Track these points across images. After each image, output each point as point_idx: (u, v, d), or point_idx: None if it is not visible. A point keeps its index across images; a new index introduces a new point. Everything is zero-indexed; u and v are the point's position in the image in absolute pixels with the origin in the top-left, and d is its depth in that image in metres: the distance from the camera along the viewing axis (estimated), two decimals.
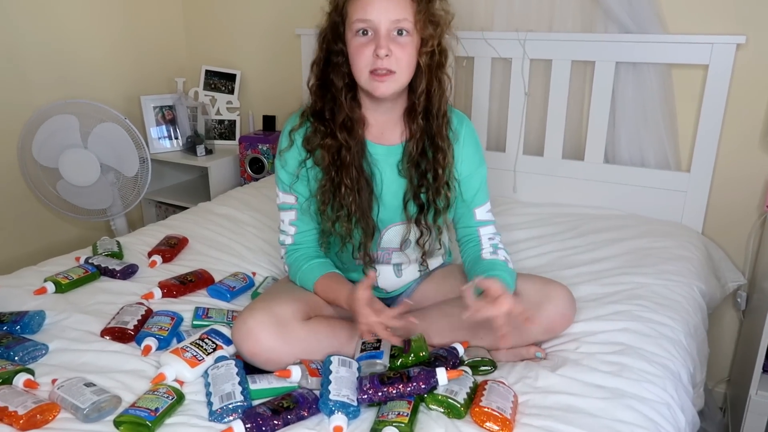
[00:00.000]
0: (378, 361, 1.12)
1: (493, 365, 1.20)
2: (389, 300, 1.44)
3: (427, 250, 1.35)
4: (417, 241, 1.33)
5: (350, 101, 1.25)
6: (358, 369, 1.12)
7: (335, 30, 1.23)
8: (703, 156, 1.76)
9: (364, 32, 1.17)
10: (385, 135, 1.30)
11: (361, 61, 1.18)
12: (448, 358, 1.18)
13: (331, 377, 1.06)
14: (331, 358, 1.10)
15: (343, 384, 1.05)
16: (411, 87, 1.26)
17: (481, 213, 1.35)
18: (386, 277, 1.39)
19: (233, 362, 1.11)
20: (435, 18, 1.22)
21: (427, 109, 1.26)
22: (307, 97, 1.30)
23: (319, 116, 1.27)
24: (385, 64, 1.16)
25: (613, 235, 1.72)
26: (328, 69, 1.25)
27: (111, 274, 1.51)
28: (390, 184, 1.30)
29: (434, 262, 1.44)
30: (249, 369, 1.14)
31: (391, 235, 1.33)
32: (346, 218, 1.26)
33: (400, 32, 1.18)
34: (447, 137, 1.28)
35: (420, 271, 1.41)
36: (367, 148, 1.28)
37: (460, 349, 1.22)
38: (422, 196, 1.29)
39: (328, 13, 1.25)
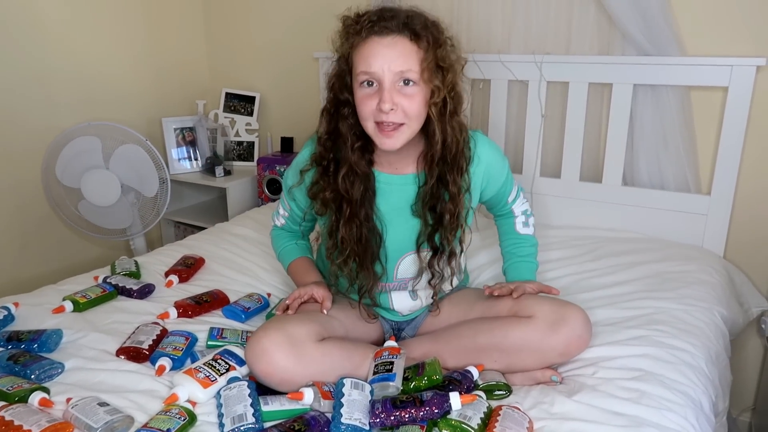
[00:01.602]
0: (391, 383, 1.11)
1: (508, 389, 1.19)
2: (403, 323, 1.43)
3: (438, 291, 1.34)
4: (429, 282, 1.33)
5: (357, 152, 1.23)
6: (371, 392, 1.11)
7: (342, 79, 1.21)
8: (723, 178, 1.73)
9: (369, 83, 1.16)
10: (398, 168, 1.29)
11: (366, 111, 1.17)
12: (463, 381, 1.16)
13: (343, 400, 1.05)
14: (344, 381, 1.09)
15: (355, 407, 1.04)
16: (426, 133, 1.22)
17: (512, 194, 1.45)
18: (401, 300, 1.38)
19: (246, 383, 1.10)
20: (445, 64, 1.18)
21: (443, 155, 1.23)
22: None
23: (324, 169, 1.26)
24: (391, 118, 1.14)
25: (632, 258, 1.69)
26: (337, 118, 1.24)
27: (128, 293, 1.53)
28: (402, 217, 1.30)
29: (448, 285, 1.42)
30: (261, 390, 1.14)
31: (407, 265, 1.33)
32: (350, 263, 1.26)
33: (406, 82, 1.15)
34: (462, 180, 1.26)
35: (433, 298, 1.40)
36: (375, 183, 1.27)
37: (475, 373, 1.20)
38: (437, 239, 1.27)
39: (335, 60, 1.23)
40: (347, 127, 1.23)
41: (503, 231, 1.50)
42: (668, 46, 1.73)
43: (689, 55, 1.74)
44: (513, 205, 1.46)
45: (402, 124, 1.16)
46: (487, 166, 1.32)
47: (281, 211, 1.48)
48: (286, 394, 1.11)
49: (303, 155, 1.34)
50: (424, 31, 1.15)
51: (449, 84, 1.18)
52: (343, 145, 1.23)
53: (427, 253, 1.30)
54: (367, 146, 1.26)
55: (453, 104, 1.20)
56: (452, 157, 1.23)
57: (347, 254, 1.25)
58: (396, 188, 1.29)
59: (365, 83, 1.16)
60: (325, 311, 1.29)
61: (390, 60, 1.13)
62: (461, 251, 1.32)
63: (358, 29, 1.16)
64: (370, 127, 1.19)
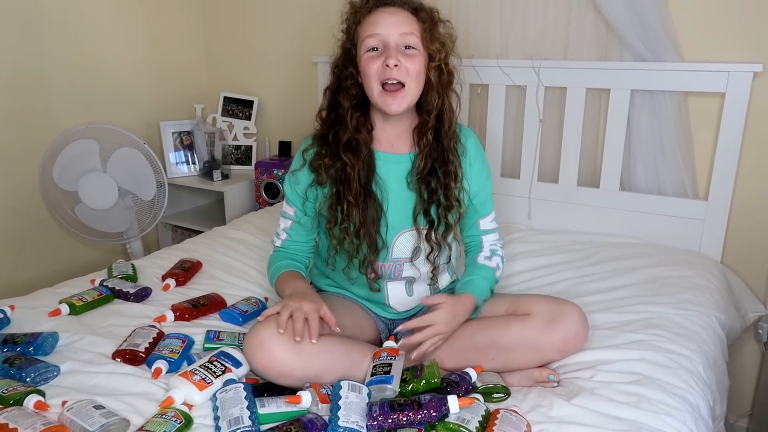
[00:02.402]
0: (388, 386, 1.11)
1: (507, 392, 1.18)
2: (398, 321, 1.43)
3: (437, 266, 1.37)
4: (427, 257, 1.35)
5: (356, 121, 1.30)
6: (369, 395, 1.10)
7: (347, 56, 1.30)
8: (721, 184, 1.73)
9: (375, 48, 1.25)
10: (394, 145, 1.35)
11: (372, 71, 1.24)
12: (461, 384, 1.16)
13: (340, 403, 1.05)
14: (342, 383, 1.09)
15: (352, 410, 1.04)
16: (421, 105, 1.31)
17: (485, 223, 1.44)
18: (397, 294, 1.39)
19: (242, 386, 1.10)
20: (440, 39, 1.29)
21: (437, 128, 1.31)
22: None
23: (323, 140, 1.33)
24: (394, 74, 1.23)
25: (630, 263, 1.69)
26: (338, 93, 1.31)
27: (125, 296, 1.52)
28: (398, 192, 1.34)
29: (443, 280, 1.43)
30: (258, 391, 1.14)
31: (403, 243, 1.35)
32: (352, 233, 1.29)
33: (408, 47, 1.25)
34: (456, 154, 1.33)
35: (430, 286, 1.40)
36: (375, 159, 1.33)
37: (473, 375, 1.20)
38: (432, 212, 1.32)
39: (340, 41, 1.32)
40: (349, 98, 1.30)
41: (465, 264, 1.44)
42: (665, 51, 1.74)
43: (686, 61, 1.75)
44: (484, 235, 1.43)
45: (404, 86, 1.24)
46: (473, 151, 1.38)
47: (281, 225, 1.45)
48: (283, 395, 1.10)
49: (304, 144, 1.38)
50: (422, 8, 1.29)
51: (445, 54, 1.29)
52: (344, 115, 1.30)
53: (423, 229, 1.34)
54: (365, 122, 1.32)
55: (448, 77, 1.31)
56: (444, 130, 1.31)
57: (351, 220, 1.28)
58: (393, 165, 1.34)
59: (371, 49, 1.25)
60: (338, 329, 1.24)
61: (394, 24, 1.24)
62: (459, 217, 1.35)
63: (365, 2, 1.29)
64: (375, 90, 1.26)
